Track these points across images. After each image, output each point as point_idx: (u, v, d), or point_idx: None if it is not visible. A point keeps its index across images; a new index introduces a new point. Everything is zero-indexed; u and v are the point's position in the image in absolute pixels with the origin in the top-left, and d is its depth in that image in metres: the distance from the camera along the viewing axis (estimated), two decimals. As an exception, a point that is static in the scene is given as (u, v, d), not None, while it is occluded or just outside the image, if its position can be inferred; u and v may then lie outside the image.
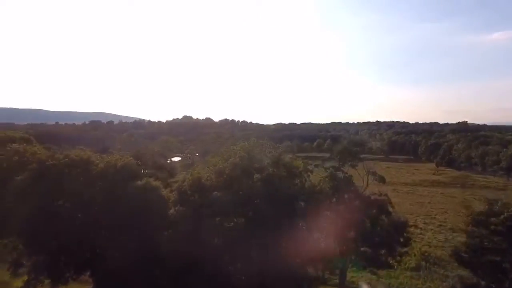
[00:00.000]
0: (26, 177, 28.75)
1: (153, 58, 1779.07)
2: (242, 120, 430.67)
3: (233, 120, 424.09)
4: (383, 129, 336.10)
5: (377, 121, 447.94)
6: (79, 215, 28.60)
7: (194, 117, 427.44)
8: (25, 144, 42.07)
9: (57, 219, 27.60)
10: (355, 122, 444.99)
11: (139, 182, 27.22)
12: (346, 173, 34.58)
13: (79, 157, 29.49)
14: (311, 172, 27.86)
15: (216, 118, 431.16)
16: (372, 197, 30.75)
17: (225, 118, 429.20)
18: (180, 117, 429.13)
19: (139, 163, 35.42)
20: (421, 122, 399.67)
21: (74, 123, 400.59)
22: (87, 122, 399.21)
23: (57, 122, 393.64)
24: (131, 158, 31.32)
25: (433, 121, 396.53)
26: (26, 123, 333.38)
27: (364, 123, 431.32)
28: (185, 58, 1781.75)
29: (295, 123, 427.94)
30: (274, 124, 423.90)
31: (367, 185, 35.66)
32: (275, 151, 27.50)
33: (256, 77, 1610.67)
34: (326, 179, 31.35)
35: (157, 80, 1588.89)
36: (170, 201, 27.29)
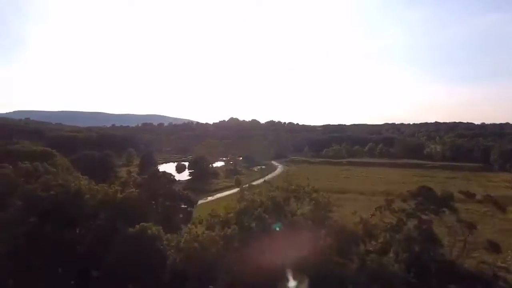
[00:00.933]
0: (9, 215, 23.88)
1: (205, 61, 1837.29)
2: (289, 121, 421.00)
3: (279, 122, 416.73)
4: (443, 131, 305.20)
5: (436, 122, 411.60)
6: (62, 261, 22.93)
7: (241, 118, 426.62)
8: (37, 162, 38.36)
9: (36, 266, 22.29)
10: (411, 123, 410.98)
11: (130, 230, 20.67)
12: (424, 224, 24.10)
13: (67, 191, 23.84)
14: (375, 238, 18.98)
15: (262, 120, 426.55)
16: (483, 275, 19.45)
17: (271, 119, 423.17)
18: (226, 118, 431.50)
19: (150, 190, 29.31)
20: (489, 123, 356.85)
21: (128, 126, 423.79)
22: (140, 125, 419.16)
23: (113, 124, 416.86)
24: (132, 190, 25.07)
25: (503, 121, 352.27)
26: (87, 125, 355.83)
27: (421, 124, 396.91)
28: (234, 61, 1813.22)
29: (344, 125, 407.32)
30: (321, 126, 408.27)
31: (465, 246, 24.04)
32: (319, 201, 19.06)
33: (303, 77, 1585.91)
34: (398, 241, 21.37)
35: (207, 82, 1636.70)
36: (170, 260, 20.14)
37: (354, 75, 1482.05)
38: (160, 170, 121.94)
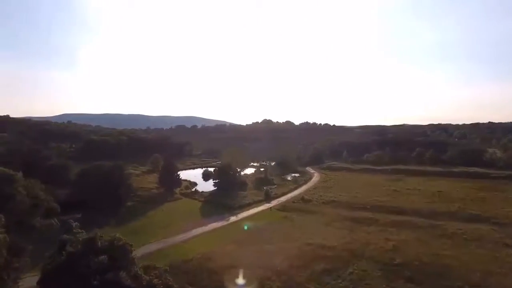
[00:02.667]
0: None
1: (241, 62, 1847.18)
2: (325, 122, 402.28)
3: (314, 123, 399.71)
4: (500, 132, 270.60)
5: (489, 122, 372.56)
6: None
7: (274, 120, 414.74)
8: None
9: None
10: (460, 124, 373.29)
11: None
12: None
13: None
14: None
15: (297, 121, 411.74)
16: None
17: (306, 121, 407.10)
18: (260, 120, 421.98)
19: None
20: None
21: (162, 128, 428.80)
22: (173, 127, 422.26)
23: (148, 127, 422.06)
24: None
25: None
26: (127, 127, 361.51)
27: (472, 124, 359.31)
28: (268, 62, 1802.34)
29: (385, 126, 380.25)
30: (360, 126, 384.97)
31: None
32: None
33: (340, 76, 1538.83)
34: None
35: (243, 83, 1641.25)
36: None
37: (391, 73, 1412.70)
38: (184, 178, 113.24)
